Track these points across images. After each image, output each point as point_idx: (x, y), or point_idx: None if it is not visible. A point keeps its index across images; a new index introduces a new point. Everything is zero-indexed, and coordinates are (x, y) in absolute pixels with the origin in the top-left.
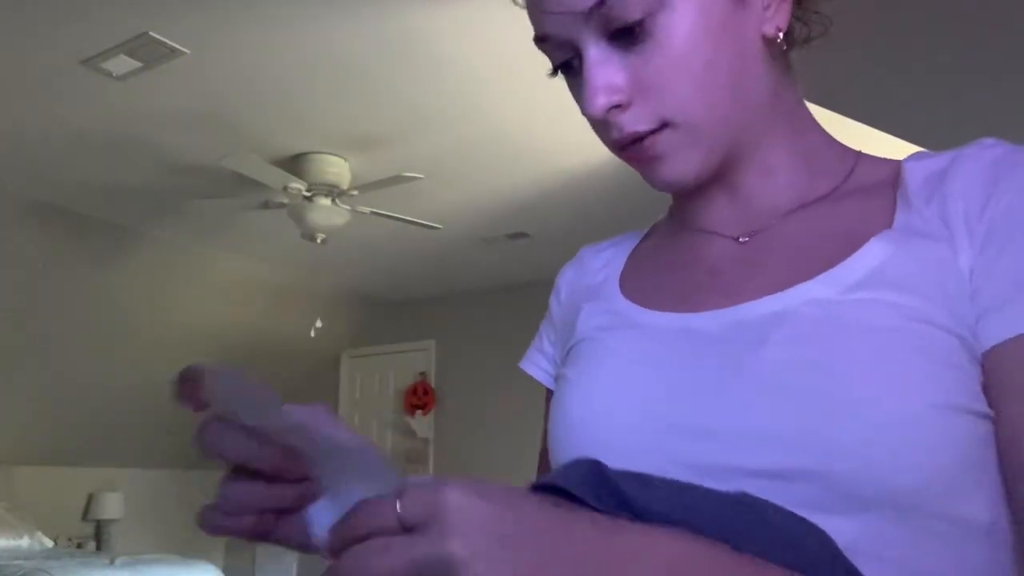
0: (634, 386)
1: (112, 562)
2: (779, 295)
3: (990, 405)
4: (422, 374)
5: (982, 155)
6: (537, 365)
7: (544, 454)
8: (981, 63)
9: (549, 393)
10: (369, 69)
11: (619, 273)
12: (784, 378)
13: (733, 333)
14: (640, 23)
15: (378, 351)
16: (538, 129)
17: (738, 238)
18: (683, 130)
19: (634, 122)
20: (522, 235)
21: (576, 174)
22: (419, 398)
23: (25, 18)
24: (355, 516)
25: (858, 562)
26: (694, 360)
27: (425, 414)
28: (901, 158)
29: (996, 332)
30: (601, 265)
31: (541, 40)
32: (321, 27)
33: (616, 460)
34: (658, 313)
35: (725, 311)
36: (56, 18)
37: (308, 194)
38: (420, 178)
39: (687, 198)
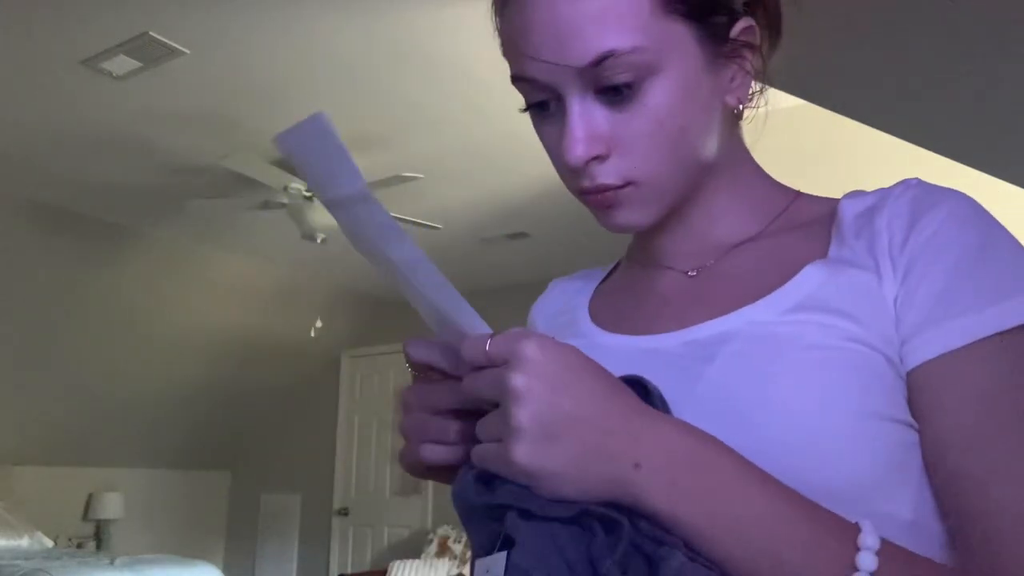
0: None
1: (112, 562)
2: (724, 317)
3: (916, 420)
4: None
5: (905, 193)
6: None
7: None
8: (980, 61)
9: None
10: (369, 69)
11: (588, 302)
12: (729, 390)
13: (685, 350)
14: (629, 85)
15: (378, 351)
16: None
17: (687, 272)
18: (646, 188)
19: (605, 175)
20: (522, 235)
21: None
22: None
23: (25, 18)
24: (461, 348)
25: None
26: (651, 375)
27: None
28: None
29: (921, 352)
30: (573, 293)
31: (519, 80)
32: (321, 27)
33: None
34: (618, 336)
35: (677, 333)
36: (56, 18)
37: (308, 194)
38: (420, 178)
39: (642, 235)
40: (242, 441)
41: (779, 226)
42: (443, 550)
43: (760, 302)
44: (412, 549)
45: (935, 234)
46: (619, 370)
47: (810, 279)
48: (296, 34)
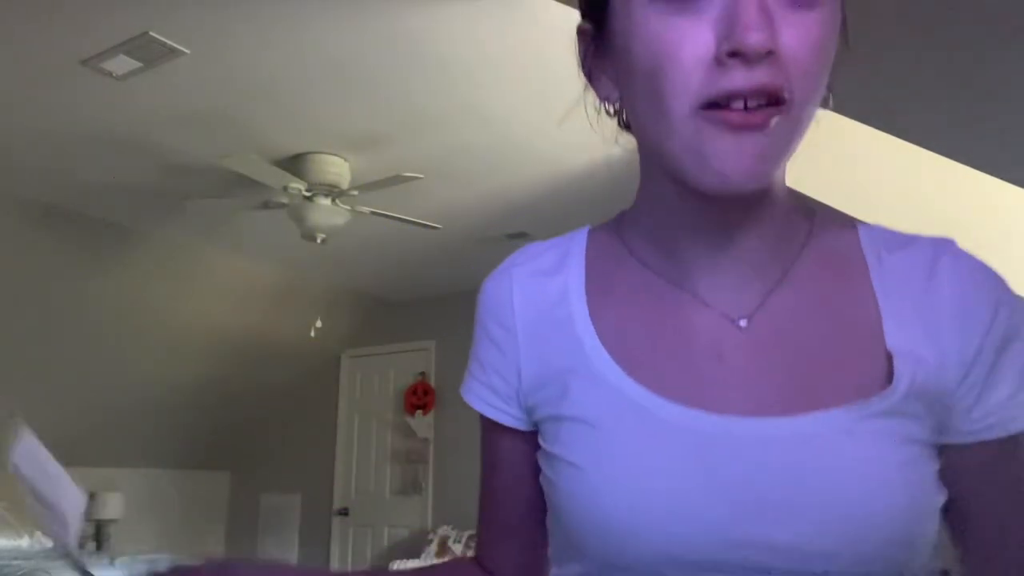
0: (662, 491)
1: (112, 562)
2: (805, 418)
3: (959, 485)
4: (422, 374)
5: (961, 273)
6: (484, 400)
7: (489, 496)
8: (986, 64)
9: (491, 424)
10: (369, 69)
11: (587, 316)
12: (820, 502)
13: (760, 452)
14: None
15: (378, 351)
16: (538, 129)
17: (736, 320)
18: (791, 119)
19: (773, 78)
20: (522, 235)
21: (576, 174)
22: (419, 398)
23: (25, 18)
24: None
25: None
26: (720, 469)
27: (425, 414)
28: (855, 223)
29: (988, 432)
30: (558, 297)
31: None
32: (321, 27)
33: (649, 554)
34: (672, 405)
35: (749, 421)
36: (56, 18)
37: (308, 194)
38: (420, 178)
39: (678, 249)
40: (242, 441)
41: (811, 259)
42: (443, 550)
43: (841, 410)
44: (412, 549)
45: (998, 336)
46: (694, 460)
47: (898, 388)
48: (296, 34)
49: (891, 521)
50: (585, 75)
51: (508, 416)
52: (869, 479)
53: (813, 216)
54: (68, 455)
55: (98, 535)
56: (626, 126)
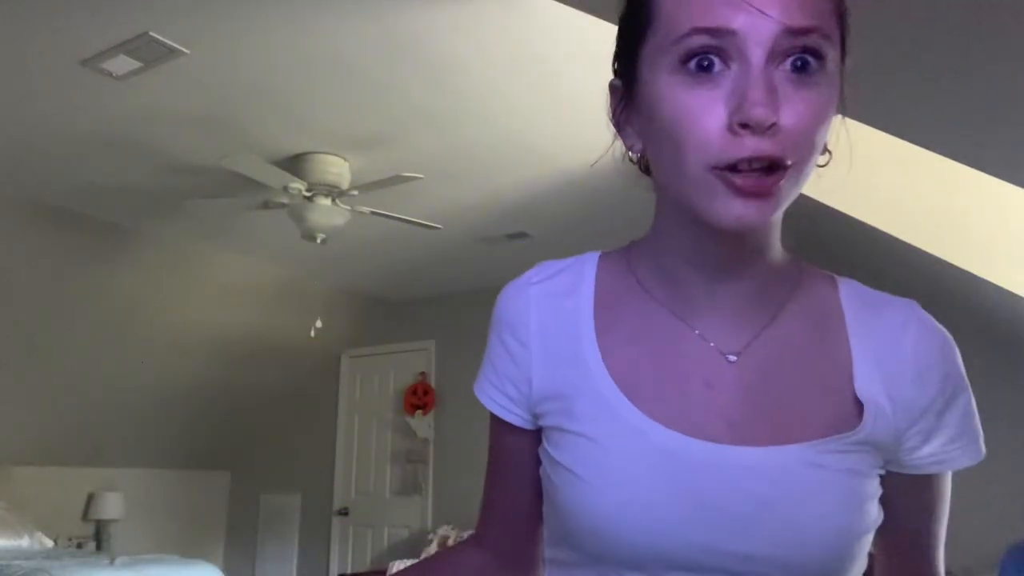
0: (648, 502)
1: (112, 562)
2: (783, 449)
3: (891, 504)
4: (422, 374)
5: (923, 339)
6: (498, 403)
7: (493, 481)
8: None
9: (500, 421)
10: (369, 69)
11: (594, 339)
12: (793, 522)
13: (735, 476)
14: (822, 59)
15: (378, 351)
16: (538, 129)
17: (726, 354)
18: (792, 178)
19: (775, 148)
20: (522, 235)
21: (576, 174)
22: (419, 398)
23: (25, 18)
24: None
25: None
26: (699, 488)
27: (425, 414)
28: (835, 278)
29: (927, 468)
30: (569, 318)
31: (700, 31)
32: (321, 27)
33: (650, 564)
34: (663, 429)
35: (729, 449)
36: (56, 18)
37: (308, 194)
38: (420, 178)
39: (696, 295)
40: (242, 441)
41: (796, 307)
42: None
43: (816, 443)
44: (412, 549)
45: (948, 395)
46: (678, 479)
47: (864, 426)
48: (296, 34)
49: (838, 539)
50: (614, 126)
51: (517, 417)
52: (825, 505)
53: (800, 270)
54: (68, 455)
55: (98, 535)
56: (646, 170)
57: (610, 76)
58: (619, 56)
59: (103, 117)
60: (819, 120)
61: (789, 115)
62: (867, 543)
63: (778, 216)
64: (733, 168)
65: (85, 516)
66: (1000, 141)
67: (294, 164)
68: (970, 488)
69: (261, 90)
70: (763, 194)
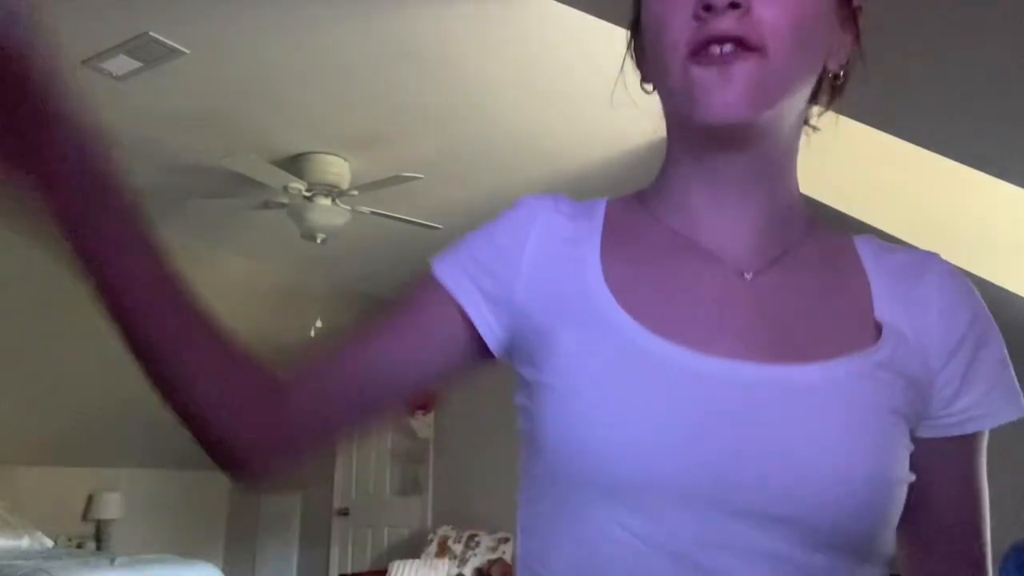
0: (650, 419)
1: (112, 562)
2: (790, 367)
3: (923, 477)
4: None
5: (947, 278)
6: (457, 283)
7: (379, 328)
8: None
9: (445, 297)
10: (369, 69)
11: (599, 262)
12: (811, 449)
13: (767, 391)
14: None
15: None
16: (539, 129)
17: (742, 272)
18: (770, 66)
19: (742, 28)
20: None
21: (576, 174)
22: (419, 398)
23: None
24: None
25: None
26: (707, 405)
27: (425, 414)
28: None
29: (963, 427)
30: (574, 237)
31: None
32: (321, 27)
33: (654, 491)
34: (665, 343)
35: (739, 364)
36: (56, 18)
37: (308, 194)
38: (420, 178)
39: (696, 205)
40: None
41: (810, 245)
42: (443, 550)
43: (831, 363)
44: (412, 549)
45: (980, 334)
46: (685, 400)
47: (888, 347)
48: (296, 34)
49: (868, 472)
50: (634, 62)
51: (478, 313)
52: (851, 429)
53: (815, 220)
54: (68, 455)
55: (98, 535)
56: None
57: (610, 76)
58: None
59: (103, 117)
60: (799, 9)
61: (765, 4)
62: (897, 498)
63: (777, 121)
64: (706, 55)
65: (85, 516)
66: (1001, 141)
67: (294, 164)
68: None
69: (261, 90)
70: (737, 78)
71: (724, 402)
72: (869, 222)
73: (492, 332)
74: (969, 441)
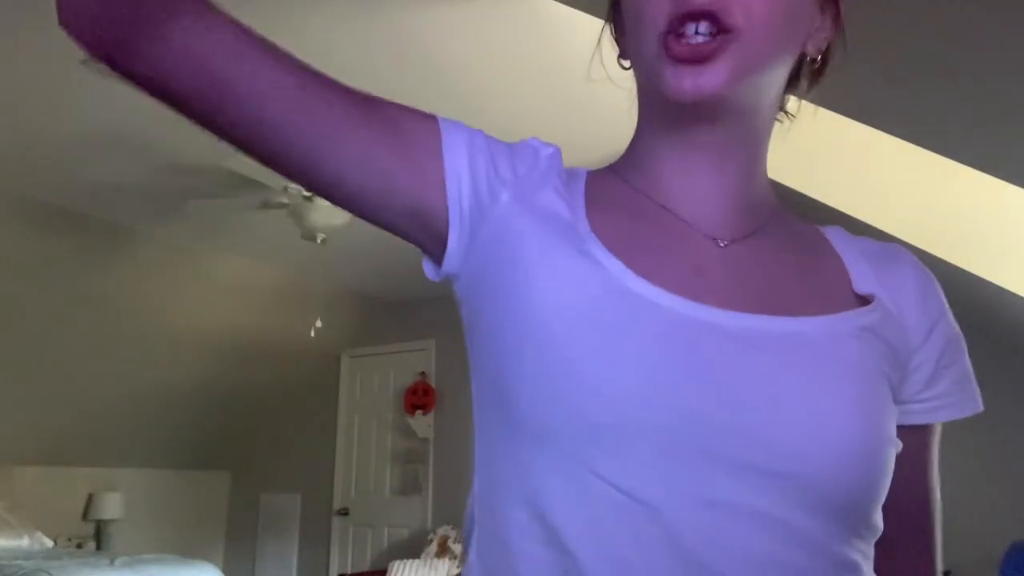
0: (652, 365)
1: (112, 562)
2: (779, 318)
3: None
4: (422, 374)
5: (920, 269)
6: (453, 147)
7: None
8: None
9: (435, 149)
10: (369, 69)
11: (583, 208)
12: (801, 398)
13: (756, 338)
14: None
15: (378, 351)
16: (538, 130)
17: (717, 240)
18: (743, 44)
19: (718, 4)
20: None
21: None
22: (419, 398)
23: (25, 18)
24: None
25: (811, 551)
26: (697, 348)
27: (425, 414)
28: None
29: (934, 415)
30: (563, 186)
31: None
32: (321, 27)
33: (635, 435)
34: (660, 290)
35: (728, 313)
36: (56, 18)
37: (308, 194)
38: None
39: (670, 173)
40: (242, 441)
41: (781, 228)
42: (443, 550)
43: (835, 316)
44: (412, 549)
45: (951, 324)
46: (672, 342)
47: (873, 311)
48: (295, 34)
49: (859, 425)
50: (614, 38)
51: (456, 201)
52: (841, 381)
53: (783, 207)
54: (68, 455)
55: (98, 535)
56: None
57: (610, 76)
58: None
59: (103, 117)
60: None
61: None
62: (887, 460)
63: (750, 99)
64: (680, 34)
65: (85, 516)
66: (1001, 141)
67: None
68: (970, 488)
69: None
70: (706, 57)
71: (712, 347)
72: (870, 222)
73: (457, 220)
74: (928, 433)
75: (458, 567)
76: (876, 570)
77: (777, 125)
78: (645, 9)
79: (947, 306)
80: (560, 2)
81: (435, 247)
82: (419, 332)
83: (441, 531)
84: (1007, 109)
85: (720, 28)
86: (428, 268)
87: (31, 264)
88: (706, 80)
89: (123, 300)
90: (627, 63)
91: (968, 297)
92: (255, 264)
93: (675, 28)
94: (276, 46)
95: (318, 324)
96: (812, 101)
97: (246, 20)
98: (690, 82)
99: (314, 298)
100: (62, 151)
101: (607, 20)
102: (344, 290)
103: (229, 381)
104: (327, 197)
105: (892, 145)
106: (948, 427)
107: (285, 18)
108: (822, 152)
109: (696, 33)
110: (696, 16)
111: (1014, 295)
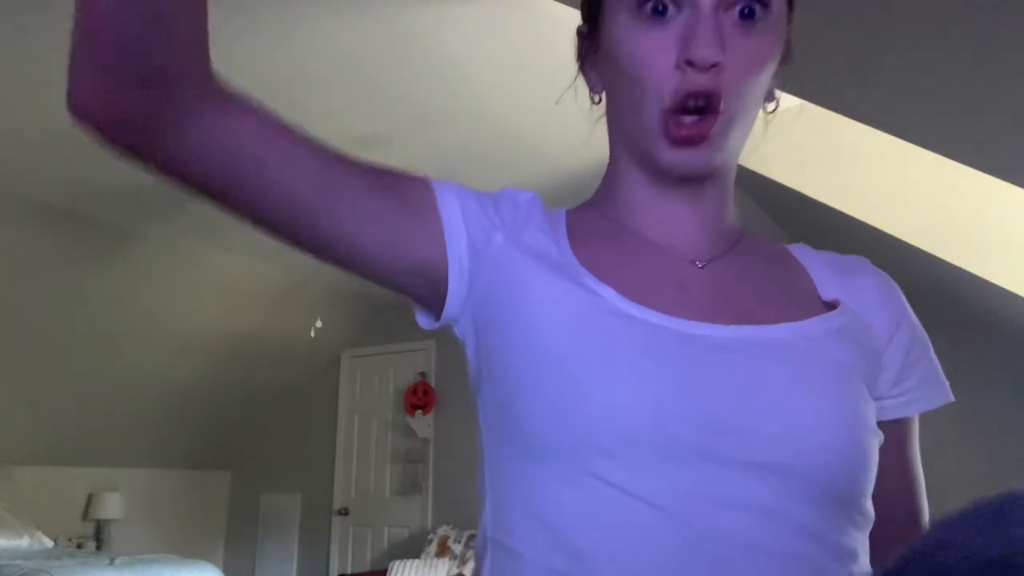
0: (652, 379)
1: (112, 562)
2: (773, 327)
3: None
4: (422, 374)
5: (881, 275)
6: (447, 203)
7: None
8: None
9: (427, 187)
10: (370, 69)
11: (567, 241)
12: (788, 396)
13: (742, 347)
14: (767, 6)
15: (378, 351)
16: (539, 129)
17: (694, 262)
18: (728, 123)
19: (715, 83)
20: None
21: (576, 174)
22: (419, 398)
23: (25, 18)
24: None
25: (814, 541)
26: (691, 361)
27: (425, 414)
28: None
29: (907, 408)
30: (545, 225)
31: None
32: (321, 27)
33: (641, 444)
34: (649, 310)
35: (717, 327)
36: (56, 18)
37: None
38: None
39: (647, 207)
40: (242, 441)
41: (750, 248)
42: (443, 550)
43: (808, 321)
44: (412, 549)
45: (913, 322)
46: (665, 354)
47: (842, 314)
48: (296, 34)
49: (845, 416)
50: (580, 68)
51: (455, 250)
52: (825, 377)
53: (747, 229)
54: (68, 455)
55: (98, 535)
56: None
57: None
58: (585, 1)
59: None
60: (761, 66)
61: (732, 59)
62: (873, 450)
63: (725, 160)
64: (681, 111)
65: (85, 516)
66: (1001, 141)
67: None
68: (970, 488)
69: (260, 90)
70: (700, 138)
71: (704, 357)
72: (877, 225)
73: (457, 288)
74: (906, 425)
75: (458, 567)
76: (871, 558)
77: (775, 125)
78: (648, 74)
79: (909, 307)
80: (560, 2)
81: (433, 297)
82: (419, 332)
83: (441, 531)
84: (1007, 109)
85: (712, 109)
86: (421, 319)
87: (31, 264)
88: (696, 159)
89: (123, 300)
90: (597, 97)
91: (968, 297)
92: (255, 264)
93: (679, 105)
94: (291, 125)
95: (318, 324)
96: (808, 99)
97: (250, 21)
98: (682, 160)
99: (314, 298)
100: (62, 151)
101: (578, 55)
102: (344, 290)
103: (229, 381)
104: (335, 261)
105: (891, 144)
106: (948, 427)
107: (287, 16)
108: (821, 152)
109: (693, 107)
110: (697, 95)
111: (1014, 295)
